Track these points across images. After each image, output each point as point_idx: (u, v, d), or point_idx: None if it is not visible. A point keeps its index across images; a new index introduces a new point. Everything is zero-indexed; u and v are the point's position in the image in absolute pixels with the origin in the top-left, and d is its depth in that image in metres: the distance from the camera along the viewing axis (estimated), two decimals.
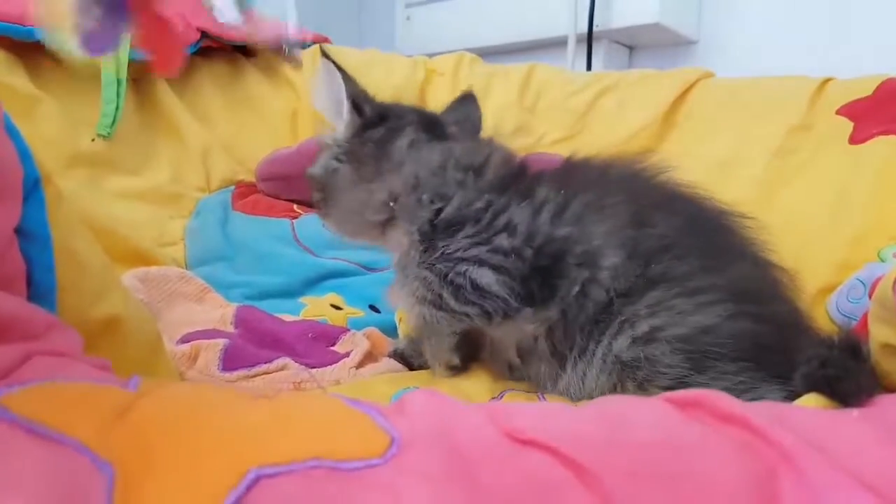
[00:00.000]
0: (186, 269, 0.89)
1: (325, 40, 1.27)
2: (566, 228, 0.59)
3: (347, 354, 0.67)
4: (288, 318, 0.77)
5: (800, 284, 0.67)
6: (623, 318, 0.56)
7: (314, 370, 0.63)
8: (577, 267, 0.58)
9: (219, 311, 0.76)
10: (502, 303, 0.59)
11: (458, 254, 0.61)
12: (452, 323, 0.63)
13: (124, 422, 0.31)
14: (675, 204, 0.61)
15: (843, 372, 0.44)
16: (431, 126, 0.68)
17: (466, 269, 0.60)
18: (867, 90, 0.99)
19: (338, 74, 0.66)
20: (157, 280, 0.77)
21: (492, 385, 0.64)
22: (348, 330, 0.75)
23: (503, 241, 0.60)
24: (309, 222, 0.97)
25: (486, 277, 0.60)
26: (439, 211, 0.64)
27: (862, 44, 1.30)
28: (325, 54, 0.66)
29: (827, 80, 1.06)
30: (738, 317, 0.54)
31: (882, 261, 0.76)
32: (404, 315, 0.78)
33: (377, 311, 0.84)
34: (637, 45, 1.55)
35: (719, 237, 0.60)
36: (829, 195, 0.93)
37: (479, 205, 0.62)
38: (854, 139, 0.96)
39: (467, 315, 0.62)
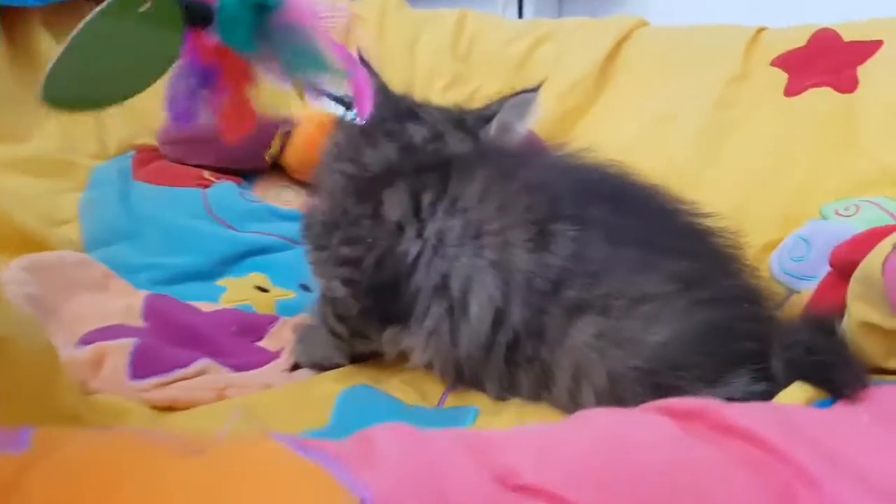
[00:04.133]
0: (83, 251, 0.78)
1: None
2: (408, 245, 0.54)
3: (278, 354, 0.60)
4: (206, 306, 0.69)
5: (743, 240, 0.65)
6: (565, 369, 0.49)
7: (240, 374, 0.56)
8: (435, 297, 0.53)
9: (125, 301, 0.67)
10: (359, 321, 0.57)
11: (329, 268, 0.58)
12: (342, 347, 0.59)
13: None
14: (590, 207, 0.52)
15: (835, 358, 0.41)
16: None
17: (334, 285, 0.58)
18: (801, 40, 0.98)
19: None
20: (49, 268, 0.67)
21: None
22: (277, 318, 0.67)
23: (347, 251, 0.56)
24: (224, 191, 0.87)
25: (339, 290, 0.57)
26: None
27: None
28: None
29: (761, 30, 1.03)
30: (690, 312, 0.48)
31: (824, 218, 0.75)
32: None
33: (309, 290, 0.77)
34: None
35: (647, 229, 0.53)
36: (768, 149, 0.91)
37: (340, 211, 0.58)
38: (789, 91, 0.95)
39: (340, 336, 0.58)
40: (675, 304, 0.48)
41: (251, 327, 0.64)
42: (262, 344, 0.63)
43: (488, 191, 0.53)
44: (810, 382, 0.41)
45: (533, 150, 0.60)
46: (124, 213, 0.83)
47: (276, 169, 0.95)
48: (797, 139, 0.89)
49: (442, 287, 0.52)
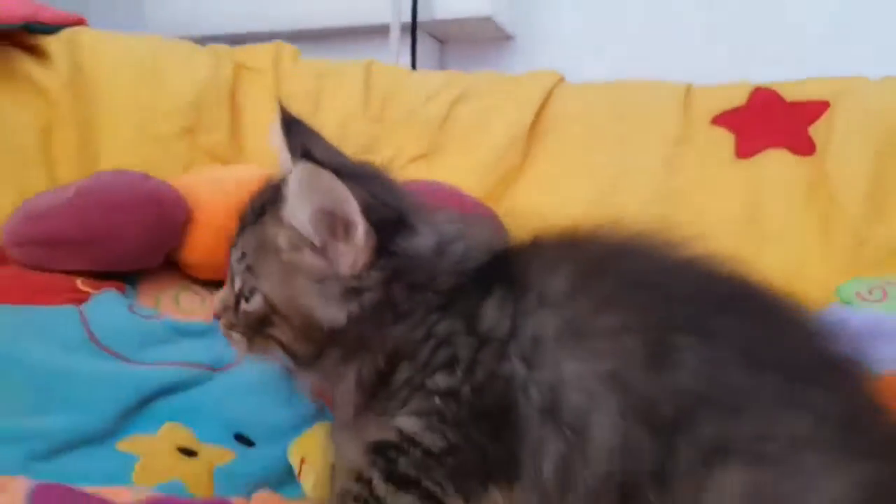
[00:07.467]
0: None
1: (80, 21, 0.89)
2: (512, 364, 0.42)
3: None
4: (117, 491, 0.46)
5: None
6: None
7: None
8: (545, 428, 0.41)
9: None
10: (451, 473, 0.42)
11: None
12: None
13: None
14: (715, 315, 0.42)
15: None
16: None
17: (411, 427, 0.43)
18: (739, 99, 0.95)
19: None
20: None
21: None
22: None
23: (440, 379, 0.44)
24: (108, 307, 0.63)
25: (424, 435, 0.43)
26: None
27: (673, 44, 1.26)
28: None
29: (689, 88, 0.99)
30: (851, 467, 0.37)
31: (846, 301, 0.68)
32: (311, 452, 0.52)
33: (250, 443, 0.56)
34: (449, 38, 1.38)
35: (785, 348, 0.41)
36: (737, 216, 0.86)
37: (419, 333, 0.45)
38: (740, 152, 0.91)
39: None
40: (835, 455, 0.38)
41: None
42: None
43: (578, 286, 0.43)
44: None
45: (621, 245, 0.47)
46: None
47: (166, 264, 0.72)
48: (766, 206, 0.84)
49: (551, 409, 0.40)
